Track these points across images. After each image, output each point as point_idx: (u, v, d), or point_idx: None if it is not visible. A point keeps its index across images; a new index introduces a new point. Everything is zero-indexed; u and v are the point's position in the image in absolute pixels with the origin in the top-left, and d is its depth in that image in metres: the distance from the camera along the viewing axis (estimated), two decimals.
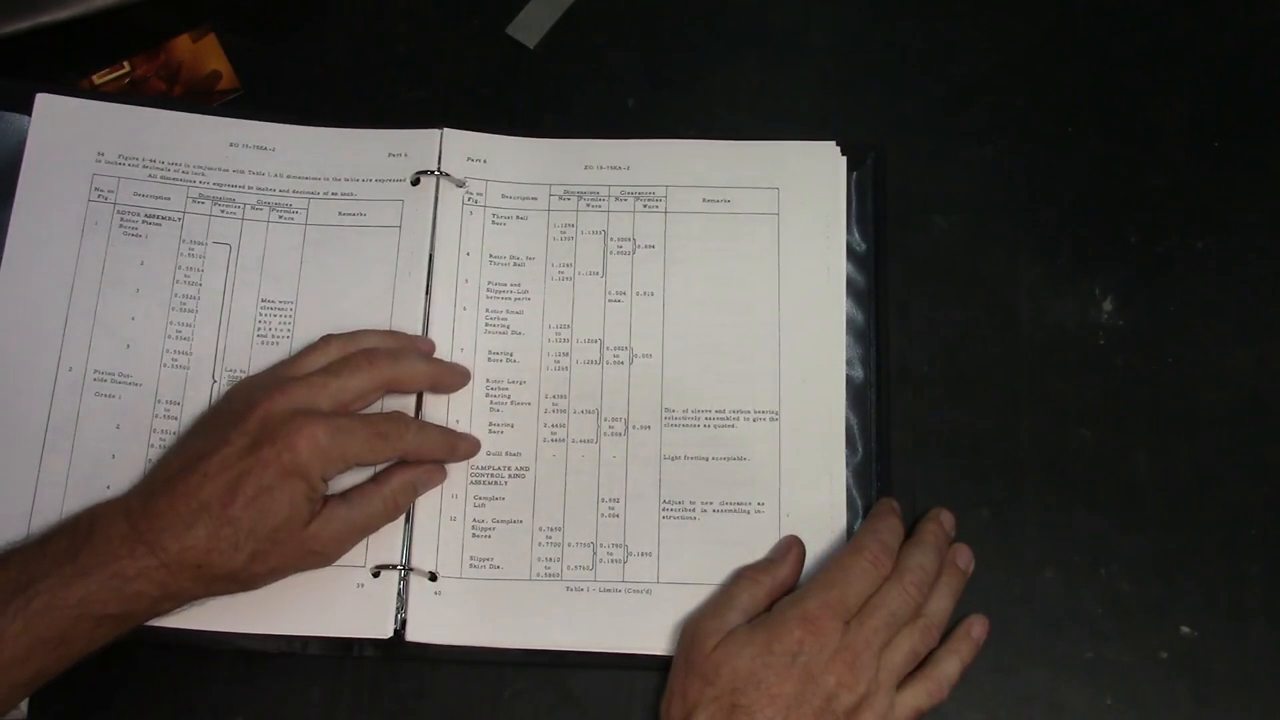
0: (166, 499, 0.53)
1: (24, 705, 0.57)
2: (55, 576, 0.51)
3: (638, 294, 0.64)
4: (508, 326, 0.63)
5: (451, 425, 0.61)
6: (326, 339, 0.60)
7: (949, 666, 0.56)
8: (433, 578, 0.59)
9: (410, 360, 0.59)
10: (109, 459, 0.60)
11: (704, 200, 0.65)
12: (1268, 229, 0.65)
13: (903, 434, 0.62)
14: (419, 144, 0.65)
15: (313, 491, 0.55)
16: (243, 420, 0.55)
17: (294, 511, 0.54)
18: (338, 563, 0.58)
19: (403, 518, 0.59)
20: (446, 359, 0.62)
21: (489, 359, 0.62)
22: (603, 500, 0.61)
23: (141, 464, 0.60)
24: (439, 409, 0.61)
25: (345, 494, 0.57)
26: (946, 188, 0.66)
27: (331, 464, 0.55)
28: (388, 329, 0.62)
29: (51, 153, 0.64)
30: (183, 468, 0.54)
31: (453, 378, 0.61)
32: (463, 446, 0.60)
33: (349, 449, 0.55)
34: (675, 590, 0.59)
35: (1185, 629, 0.59)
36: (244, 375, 0.61)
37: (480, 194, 0.65)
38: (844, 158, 0.65)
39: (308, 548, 0.55)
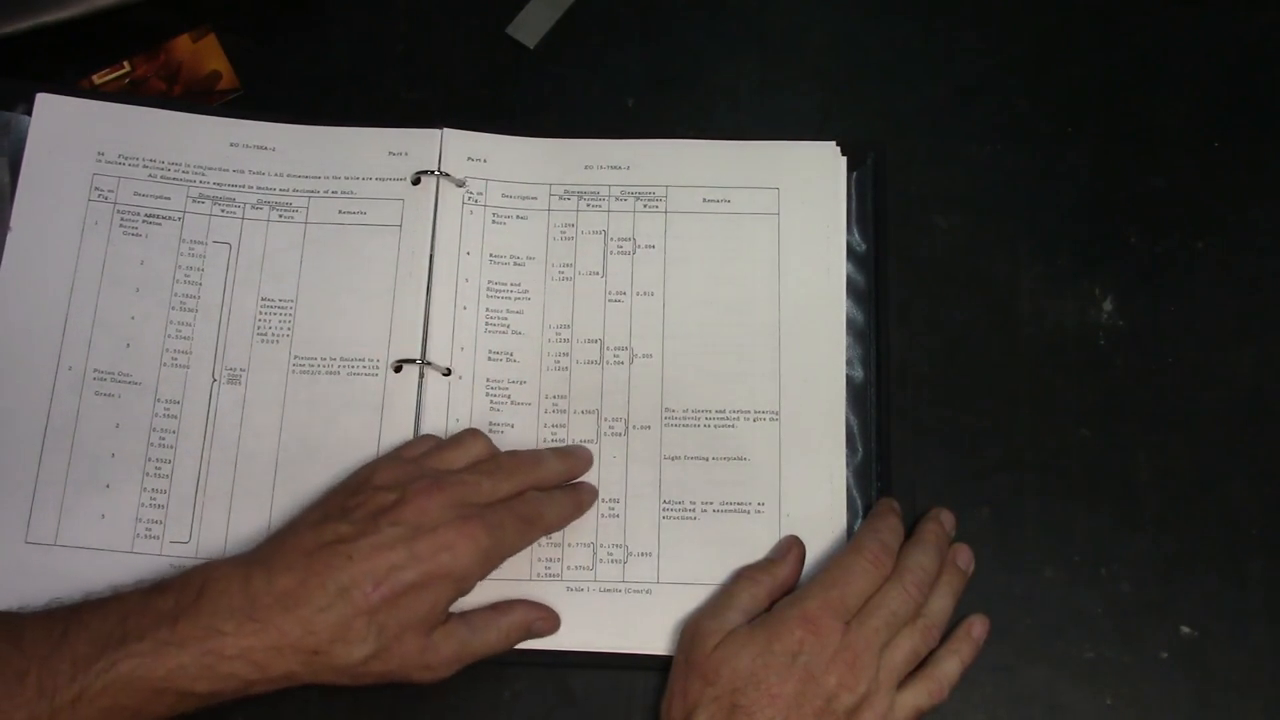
0: (298, 577, 0.51)
1: None
2: (150, 640, 0.49)
3: (638, 294, 0.64)
4: (508, 326, 0.63)
5: (452, 426, 0.61)
6: (474, 433, 0.59)
7: (949, 666, 0.56)
8: None
9: (549, 462, 0.59)
10: (109, 458, 0.60)
11: (704, 200, 0.65)
12: (1268, 229, 0.65)
13: (903, 434, 0.62)
14: (419, 143, 0.65)
15: (459, 595, 0.54)
16: (395, 511, 0.53)
17: (431, 615, 0.53)
18: None
19: None
20: (457, 366, 0.62)
21: (489, 358, 0.62)
22: (603, 500, 0.61)
23: (141, 462, 0.60)
24: (438, 415, 0.61)
25: (465, 615, 0.55)
26: (946, 188, 0.66)
27: (490, 565, 0.54)
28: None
29: (51, 153, 0.64)
30: (320, 546, 0.52)
31: (580, 464, 0.60)
32: (586, 499, 0.59)
33: (504, 545, 0.55)
34: (675, 590, 0.59)
35: (1185, 629, 0.59)
36: (243, 372, 0.61)
37: (480, 193, 0.65)
38: (844, 158, 0.65)
39: (423, 660, 0.53)
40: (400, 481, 0.55)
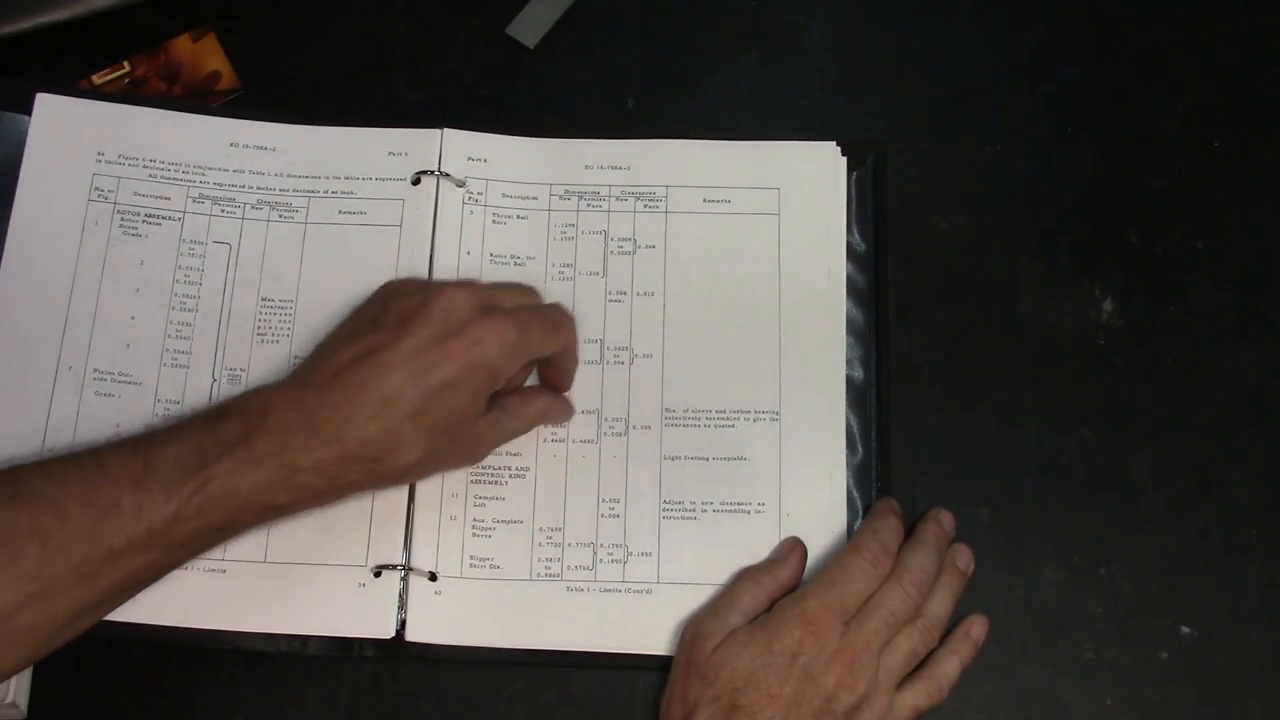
0: (342, 391, 0.52)
1: (23, 704, 0.57)
2: (229, 460, 0.51)
3: (638, 294, 0.64)
4: None
5: None
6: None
7: (948, 667, 0.56)
8: (433, 578, 0.59)
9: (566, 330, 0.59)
10: None
11: (704, 200, 0.65)
12: (1268, 229, 0.65)
13: (903, 434, 0.62)
14: (419, 143, 0.65)
15: (493, 388, 0.55)
16: (422, 313, 0.54)
17: (473, 407, 0.54)
18: (338, 562, 0.59)
19: (403, 517, 0.60)
20: None
21: None
22: (603, 500, 0.61)
23: None
24: None
25: (499, 402, 0.57)
26: (946, 188, 0.66)
27: (517, 359, 0.55)
28: None
29: (51, 153, 0.64)
30: (356, 359, 0.53)
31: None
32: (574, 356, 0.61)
33: (531, 342, 0.56)
34: (675, 590, 0.59)
35: (1185, 629, 0.59)
36: (243, 372, 0.62)
37: (481, 194, 0.65)
38: (844, 158, 0.65)
39: (471, 450, 0.57)
40: (421, 288, 0.56)
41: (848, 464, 0.61)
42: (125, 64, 0.67)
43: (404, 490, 0.60)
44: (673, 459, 0.61)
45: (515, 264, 0.64)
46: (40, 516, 0.48)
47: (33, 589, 0.48)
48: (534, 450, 0.61)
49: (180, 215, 0.64)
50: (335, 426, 0.52)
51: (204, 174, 0.64)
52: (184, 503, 0.50)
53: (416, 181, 0.64)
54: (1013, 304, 0.64)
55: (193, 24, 0.68)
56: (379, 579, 0.59)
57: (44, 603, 0.48)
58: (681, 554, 0.60)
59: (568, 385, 0.61)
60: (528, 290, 0.60)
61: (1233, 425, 0.62)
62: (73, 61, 0.67)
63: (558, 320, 0.58)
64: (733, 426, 0.62)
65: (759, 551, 0.60)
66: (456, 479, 0.60)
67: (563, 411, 0.61)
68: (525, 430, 0.59)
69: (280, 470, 0.51)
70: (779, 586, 0.57)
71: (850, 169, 0.65)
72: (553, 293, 0.63)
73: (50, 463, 0.51)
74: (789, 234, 0.64)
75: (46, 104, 0.64)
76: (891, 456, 0.61)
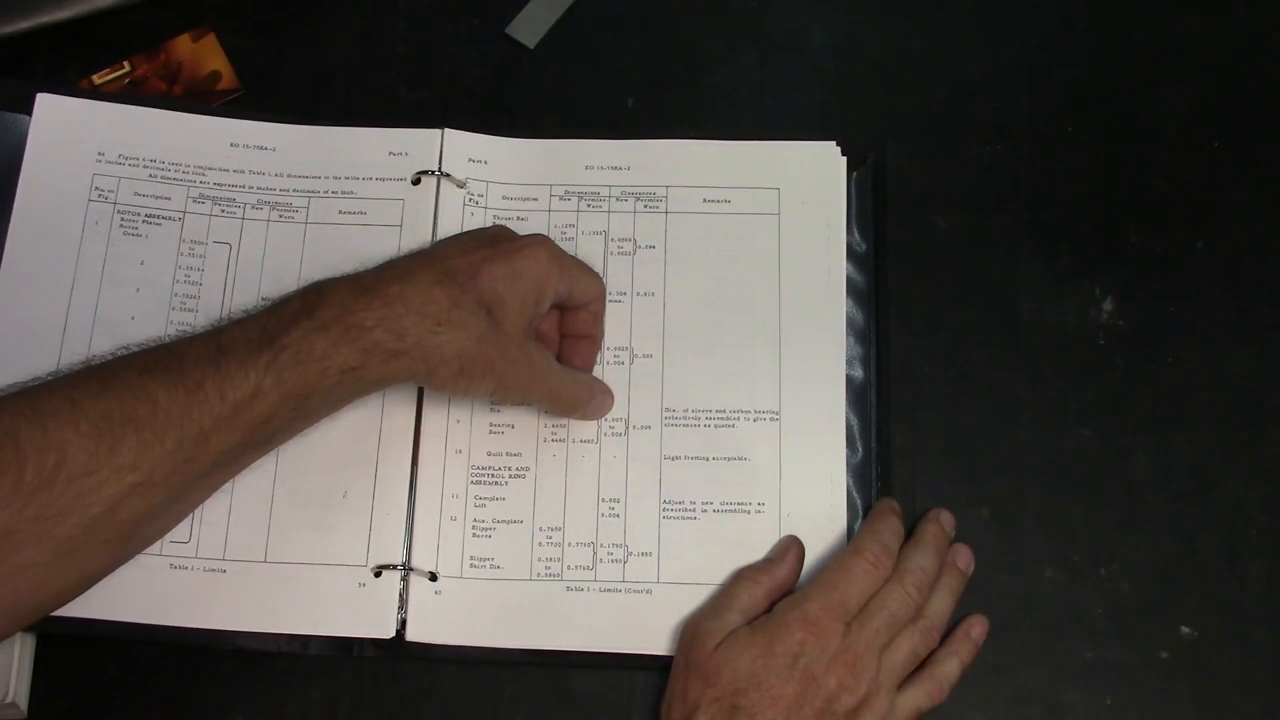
0: (398, 269, 0.55)
1: (23, 704, 0.57)
2: (296, 330, 0.52)
3: (638, 294, 0.64)
4: None
5: (453, 424, 0.61)
6: None
7: (949, 667, 0.57)
8: (433, 578, 0.59)
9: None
10: None
11: (704, 200, 0.65)
12: (1268, 229, 0.65)
13: (903, 434, 0.62)
14: (420, 143, 0.65)
15: (539, 300, 0.57)
16: (479, 233, 0.60)
17: (522, 308, 0.56)
18: (338, 562, 0.59)
19: (403, 517, 0.60)
20: None
21: None
22: (603, 500, 0.61)
23: None
24: (438, 413, 0.61)
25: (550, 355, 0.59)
26: (946, 188, 0.66)
27: (563, 279, 0.58)
28: None
29: (51, 153, 0.64)
30: (412, 256, 0.57)
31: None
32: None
33: (571, 270, 0.59)
34: (675, 590, 0.59)
35: (1185, 629, 0.59)
36: None
37: (481, 195, 0.65)
38: (844, 158, 0.65)
39: (522, 363, 0.56)
40: (471, 231, 0.62)
41: (848, 464, 0.61)
42: (125, 64, 0.67)
43: (404, 490, 0.60)
44: (673, 459, 0.61)
45: None
46: (134, 405, 0.49)
47: (134, 479, 0.49)
48: (534, 450, 0.61)
49: (180, 215, 0.64)
50: (395, 285, 0.53)
51: (204, 174, 0.64)
52: (262, 374, 0.51)
53: (417, 181, 0.64)
54: (1013, 304, 0.64)
55: (193, 24, 0.68)
56: (379, 579, 0.59)
57: (144, 493, 0.50)
58: (681, 554, 0.60)
59: (599, 335, 0.62)
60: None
61: (1233, 425, 0.62)
62: (73, 61, 0.67)
63: (596, 273, 0.61)
64: (733, 426, 0.62)
65: (759, 551, 0.60)
66: (457, 479, 0.60)
67: (606, 396, 0.61)
68: (570, 393, 0.59)
69: (348, 330, 0.52)
70: (776, 585, 0.58)
71: (850, 169, 0.65)
72: None
73: (131, 355, 0.52)
74: (789, 234, 0.64)
75: (46, 104, 0.64)
76: (891, 456, 0.61)
